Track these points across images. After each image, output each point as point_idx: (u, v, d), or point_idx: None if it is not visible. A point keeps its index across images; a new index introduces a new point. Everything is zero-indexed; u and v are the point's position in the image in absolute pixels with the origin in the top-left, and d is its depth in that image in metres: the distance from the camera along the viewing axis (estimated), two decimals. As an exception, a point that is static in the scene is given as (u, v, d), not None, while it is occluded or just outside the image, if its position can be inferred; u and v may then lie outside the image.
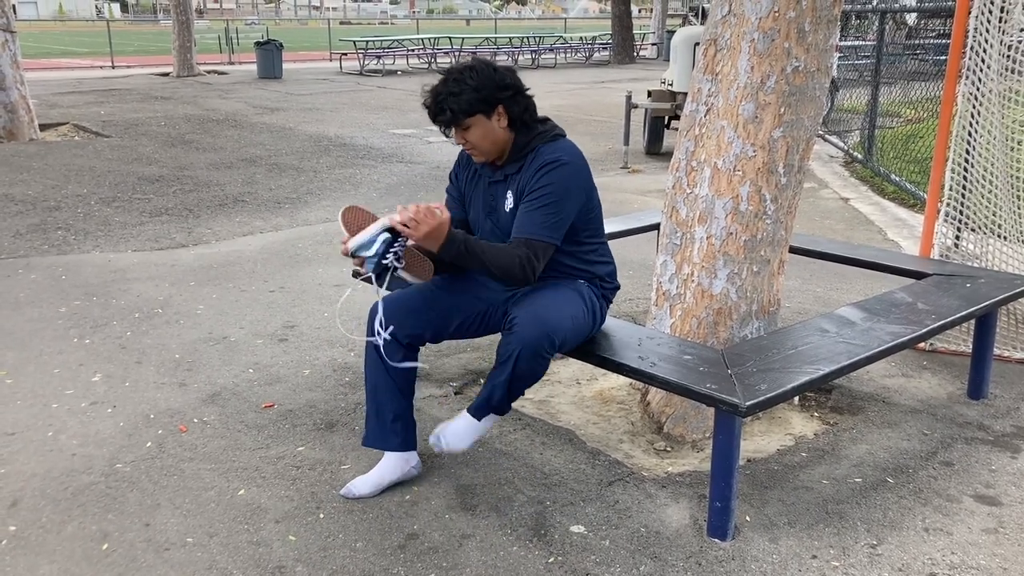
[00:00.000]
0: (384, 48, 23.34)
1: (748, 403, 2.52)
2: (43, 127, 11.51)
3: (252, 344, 4.33)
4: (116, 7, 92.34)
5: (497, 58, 25.89)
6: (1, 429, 3.44)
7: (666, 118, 10.26)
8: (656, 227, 4.60)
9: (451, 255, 2.70)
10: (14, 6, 10.69)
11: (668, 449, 3.31)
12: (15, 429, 3.44)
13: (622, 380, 3.85)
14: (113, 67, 23.01)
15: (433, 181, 8.53)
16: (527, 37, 26.78)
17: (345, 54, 23.77)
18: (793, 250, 4.29)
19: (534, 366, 2.71)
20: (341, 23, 64.13)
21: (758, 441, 3.38)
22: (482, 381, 3.92)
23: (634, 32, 27.83)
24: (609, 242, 5.88)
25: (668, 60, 11.81)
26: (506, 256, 2.73)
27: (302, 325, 4.59)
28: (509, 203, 2.86)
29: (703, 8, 23.77)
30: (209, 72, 21.11)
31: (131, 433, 3.40)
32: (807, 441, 3.38)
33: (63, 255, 5.89)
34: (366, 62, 22.35)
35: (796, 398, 3.70)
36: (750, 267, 3.27)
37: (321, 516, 2.85)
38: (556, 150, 2.80)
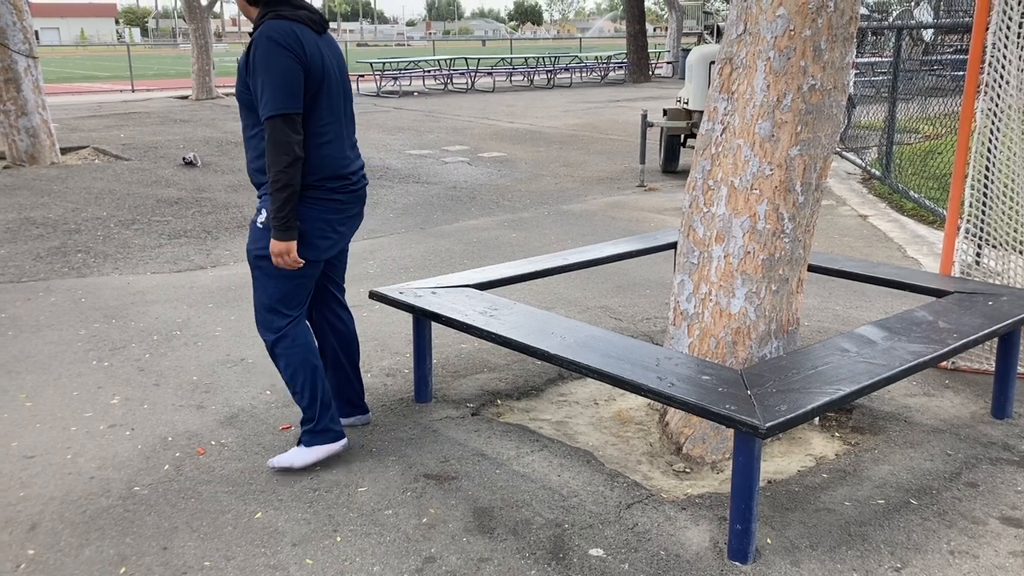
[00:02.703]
0: (401, 69, 23.50)
1: (768, 424, 2.49)
2: (64, 151, 11.64)
3: (269, 366, 4.33)
4: (136, 32, 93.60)
5: (513, 78, 26.02)
6: (21, 452, 3.45)
7: (682, 136, 10.25)
8: (673, 246, 4.59)
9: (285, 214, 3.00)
10: (36, 32, 10.85)
11: (687, 470, 3.27)
12: (34, 452, 3.45)
13: (640, 401, 3.83)
14: (133, 91, 23.29)
15: (450, 201, 8.55)
16: (543, 57, 26.90)
17: (362, 76, 23.97)
18: (812, 268, 4.26)
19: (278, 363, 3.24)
20: (358, 45, 64.61)
21: (778, 462, 3.34)
22: (499, 402, 3.91)
23: (649, 51, 27.90)
24: (625, 261, 5.86)
25: (683, 78, 11.82)
26: (270, 152, 2.93)
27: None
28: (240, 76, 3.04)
29: (718, 27, 23.81)
30: (228, 95, 21.31)
31: (149, 456, 3.41)
32: (828, 462, 3.34)
33: (83, 278, 5.94)
34: (383, 83, 22.51)
35: (816, 418, 3.66)
36: (768, 286, 3.25)
37: (338, 539, 2.84)
38: (267, 28, 2.94)
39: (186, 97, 20.69)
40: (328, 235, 3.15)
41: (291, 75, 2.91)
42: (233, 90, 22.40)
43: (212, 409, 3.83)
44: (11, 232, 7.20)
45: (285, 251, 3.02)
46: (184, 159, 10.71)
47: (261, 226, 3.10)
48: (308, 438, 3.27)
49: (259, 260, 3.13)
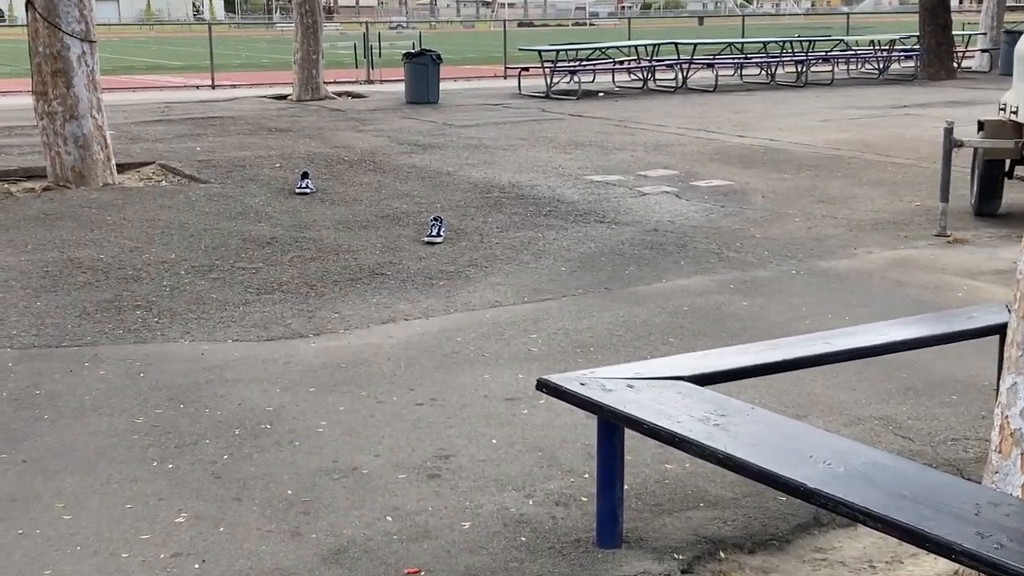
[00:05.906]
0: (581, 60, 23.96)
1: None
2: (121, 167, 12.37)
3: (392, 480, 4.46)
4: (219, 5, 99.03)
5: (744, 72, 26.05)
6: (55, 583, 3.68)
7: (1008, 163, 9.97)
8: (996, 330, 4.46)
9: None
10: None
11: None
12: (73, 584, 3.67)
13: (945, 566, 3.71)
14: (213, 87, 24.82)
15: (648, 250, 8.59)
16: (789, 42, 26.82)
17: (525, 69, 24.60)
18: None
19: None
20: (520, 25, 66.48)
21: None
22: (722, 554, 3.86)
23: (954, 34, 27.32)
24: (919, 351, 5.73)
25: (1010, 76, 11.50)
26: None
27: (461, 455, 4.69)
28: None
29: (1063, -3, 22.86)
30: (341, 95, 22.33)
31: (224, 600, 3.56)
32: None
33: (142, 344, 6.31)
34: (555, 80, 23.02)
35: None
36: None
37: None
38: None
39: (285, 96, 21.81)
40: None
41: None
42: (349, 87, 23.51)
43: (312, 538, 3.97)
44: (50, 278, 7.75)
45: None
46: (300, 187, 11.11)
47: None
48: None
49: None
